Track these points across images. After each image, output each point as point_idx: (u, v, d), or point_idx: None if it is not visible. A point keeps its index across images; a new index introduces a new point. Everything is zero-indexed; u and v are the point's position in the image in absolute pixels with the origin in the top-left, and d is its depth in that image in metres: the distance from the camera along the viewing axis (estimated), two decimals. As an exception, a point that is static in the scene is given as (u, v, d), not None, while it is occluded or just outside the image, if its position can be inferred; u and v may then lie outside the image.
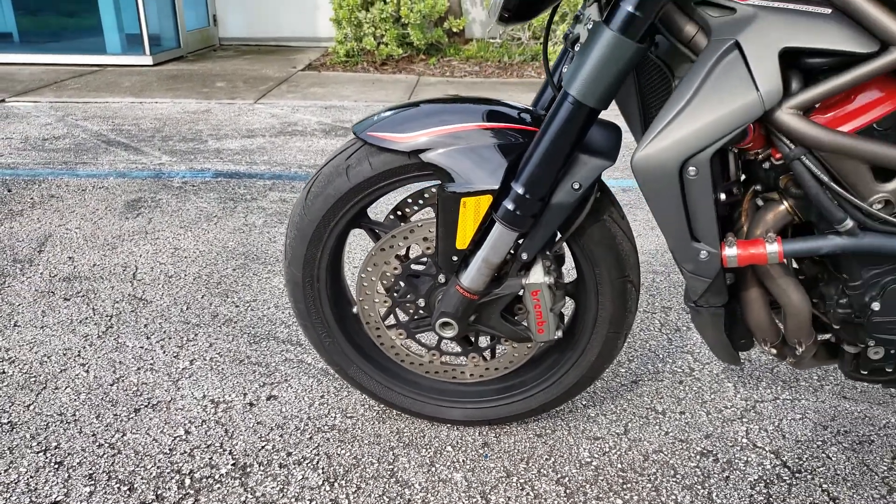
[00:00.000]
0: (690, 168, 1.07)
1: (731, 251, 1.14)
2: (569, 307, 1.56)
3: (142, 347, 1.96)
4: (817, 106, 1.07)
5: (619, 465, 1.55)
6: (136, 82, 5.91)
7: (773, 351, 1.39)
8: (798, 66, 1.05)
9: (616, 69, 1.09)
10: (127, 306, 2.18)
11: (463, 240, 1.30)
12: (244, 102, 5.24)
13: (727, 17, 1.07)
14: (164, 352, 1.94)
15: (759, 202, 1.21)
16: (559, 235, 1.35)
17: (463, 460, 1.56)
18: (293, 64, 7.04)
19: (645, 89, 1.27)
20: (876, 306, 1.19)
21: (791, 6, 1.03)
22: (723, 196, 1.13)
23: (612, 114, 1.26)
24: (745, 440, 1.64)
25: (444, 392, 1.62)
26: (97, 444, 1.57)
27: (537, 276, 1.34)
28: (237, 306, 2.21)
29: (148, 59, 6.72)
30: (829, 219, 1.10)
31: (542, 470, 1.53)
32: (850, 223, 1.09)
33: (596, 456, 1.57)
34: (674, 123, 1.06)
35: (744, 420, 1.70)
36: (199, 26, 7.92)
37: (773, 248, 1.13)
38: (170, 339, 2.01)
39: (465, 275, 1.34)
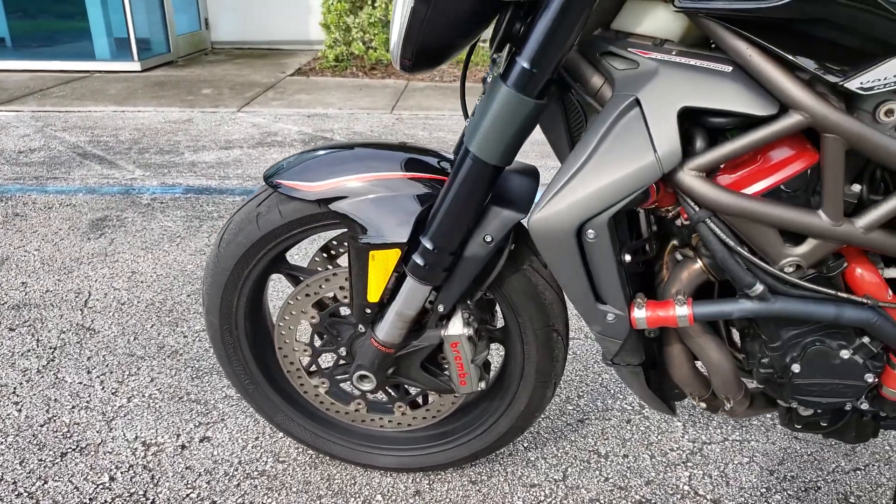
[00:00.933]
0: (589, 231, 1.02)
1: (640, 313, 1.09)
2: (501, 354, 1.51)
3: (80, 383, 1.92)
4: (723, 167, 1.01)
5: (552, 517, 1.50)
6: (121, 90, 5.88)
7: (703, 405, 1.33)
8: (702, 124, 0.99)
9: (514, 126, 1.04)
10: (73, 337, 2.15)
11: (374, 293, 1.25)
12: (227, 111, 5.20)
13: (630, 71, 1.01)
14: (103, 388, 1.90)
15: (679, 257, 1.16)
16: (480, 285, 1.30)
17: (391, 510, 1.51)
18: (283, 69, 6.99)
19: (573, 126, 1.22)
20: (796, 368, 1.14)
21: (692, 62, 0.97)
22: (628, 257, 1.07)
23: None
24: (686, 487, 1.58)
25: (375, 439, 1.57)
26: (16, 492, 1.53)
27: (456, 327, 1.29)
28: (185, 336, 2.17)
29: (136, 65, 6.70)
30: (737, 283, 1.04)
31: (470, 522, 1.48)
32: (759, 288, 1.03)
33: (529, 506, 1.53)
34: (570, 185, 1.01)
35: (688, 465, 1.65)
36: (190, 30, 7.89)
37: (683, 311, 1.07)
38: (111, 373, 1.97)
39: (380, 327, 1.30)
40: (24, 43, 7.27)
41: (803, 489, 1.58)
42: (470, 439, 1.52)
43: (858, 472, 1.63)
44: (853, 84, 0.87)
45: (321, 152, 1.29)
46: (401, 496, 1.55)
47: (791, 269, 1.02)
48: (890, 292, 1.09)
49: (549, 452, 1.69)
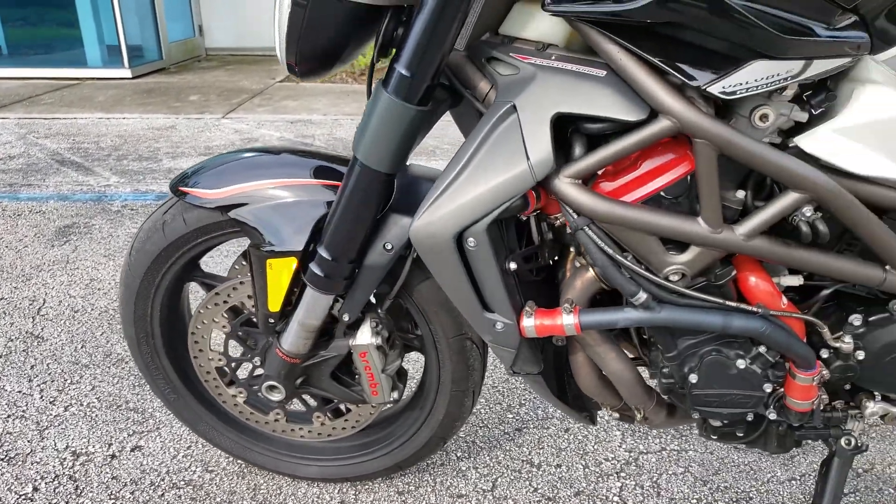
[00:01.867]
0: (469, 239, 1.00)
1: (528, 322, 1.07)
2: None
3: (20, 392, 1.92)
4: (603, 173, 0.99)
5: (473, 528, 1.48)
6: (110, 97, 5.91)
7: (616, 414, 1.31)
8: (581, 131, 0.97)
9: (399, 133, 1.02)
10: (20, 345, 2.14)
11: (274, 302, 1.24)
12: (212, 117, 5.21)
13: (511, 77, 1.00)
14: (42, 397, 1.90)
15: (577, 265, 1.14)
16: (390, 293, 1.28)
17: (313, 521, 1.50)
18: (273, 75, 7.01)
19: None
20: (693, 378, 1.11)
21: (569, 67, 0.95)
22: (513, 265, 1.05)
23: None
24: (616, 498, 1.56)
25: (298, 448, 1.56)
26: (-63, 503, 1.52)
27: (364, 337, 1.27)
28: (133, 344, 2.15)
29: (127, 72, 6.73)
30: (622, 291, 1.02)
31: (390, 533, 1.46)
32: (643, 296, 1.01)
33: (452, 517, 1.51)
34: (447, 193, 0.99)
35: (621, 475, 1.62)
36: (184, 37, 7.92)
37: (570, 319, 1.05)
38: (52, 381, 1.96)
39: (285, 337, 1.28)
40: (17, 51, 7.32)
41: (734, 500, 1.55)
42: (392, 449, 1.50)
43: (794, 481, 1.60)
44: (715, 88, 0.85)
45: (226, 159, 1.28)
46: (325, 507, 1.53)
47: (676, 278, 1.00)
48: (785, 301, 1.06)
49: (482, 462, 1.67)
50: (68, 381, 1.97)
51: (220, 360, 1.42)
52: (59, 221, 3.14)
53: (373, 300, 1.29)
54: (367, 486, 1.59)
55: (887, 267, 1.02)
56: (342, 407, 1.46)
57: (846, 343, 1.09)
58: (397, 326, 1.38)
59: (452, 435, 1.49)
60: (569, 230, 1.06)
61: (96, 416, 1.82)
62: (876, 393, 1.20)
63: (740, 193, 0.98)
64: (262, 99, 5.87)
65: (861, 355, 1.11)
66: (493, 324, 1.07)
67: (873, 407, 1.20)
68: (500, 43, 1.03)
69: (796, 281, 1.07)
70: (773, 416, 1.19)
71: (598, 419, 1.76)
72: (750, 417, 1.18)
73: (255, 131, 4.81)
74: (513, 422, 1.82)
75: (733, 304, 1.02)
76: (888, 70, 0.92)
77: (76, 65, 6.84)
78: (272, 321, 1.27)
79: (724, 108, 0.96)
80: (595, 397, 1.26)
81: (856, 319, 1.11)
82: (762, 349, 1.09)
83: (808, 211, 0.95)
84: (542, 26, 1.00)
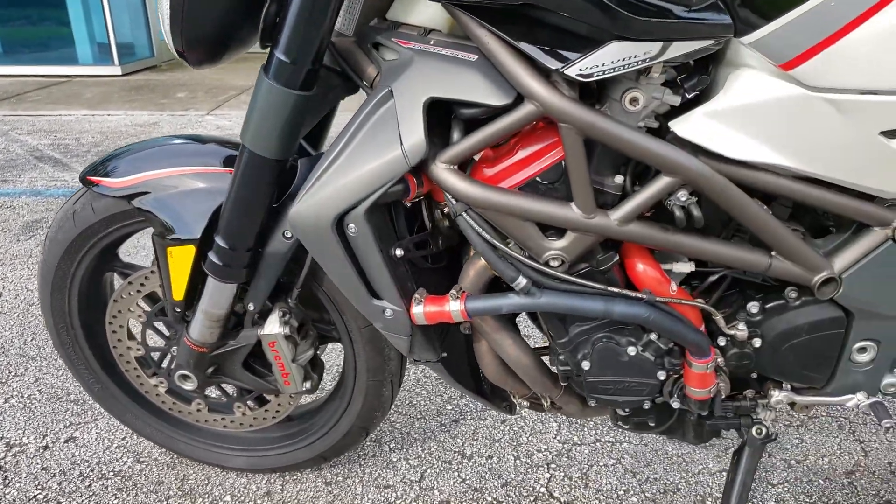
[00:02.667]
0: (350, 225, 1.00)
1: (418, 309, 1.07)
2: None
3: (-36, 383, 1.93)
4: (480, 159, 0.99)
5: (394, 518, 1.48)
6: (97, 94, 5.93)
7: (526, 403, 1.31)
8: (458, 116, 0.97)
9: (283, 119, 1.02)
10: (-29, 338, 2.16)
11: (178, 291, 1.24)
12: (196, 114, 5.23)
13: (393, 62, 0.99)
14: (-15, 388, 1.91)
15: (472, 252, 1.13)
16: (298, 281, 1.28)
17: (236, 511, 1.50)
18: (262, 72, 7.00)
19: None
20: (586, 365, 1.11)
21: (444, 52, 0.95)
22: (399, 251, 1.05)
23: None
24: (542, 489, 1.55)
25: (225, 438, 1.56)
26: None
27: (272, 326, 1.27)
28: (83, 337, 2.16)
29: (117, 69, 6.76)
30: (503, 277, 1.02)
31: (310, 523, 1.46)
32: (522, 281, 1.01)
33: (374, 507, 1.50)
34: (325, 177, 0.99)
35: (551, 466, 1.62)
36: (175, 35, 7.92)
37: (456, 305, 1.05)
38: (-2, 373, 1.97)
39: (193, 326, 1.28)
40: (8, 49, 7.35)
41: (661, 491, 1.54)
42: (315, 440, 1.50)
43: (724, 473, 1.59)
44: (572, 71, 0.85)
45: (136, 147, 1.28)
46: (251, 497, 1.53)
47: (556, 264, 1.00)
48: (674, 287, 1.05)
49: (413, 453, 1.67)
50: (12, 374, 1.97)
51: (138, 349, 1.42)
52: (27, 217, 3.16)
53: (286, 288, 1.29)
54: (294, 477, 1.59)
55: (773, 253, 1.01)
56: (265, 396, 1.46)
57: (740, 330, 1.08)
58: (314, 316, 1.38)
59: (374, 425, 1.48)
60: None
61: (35, 407, 1.83)
62: (783, 381, 1.19)
63: (618, 179, 0.97)
64: (248, 95, 5.85)
65: (758, 343, 1.11)
66: (381, 311, 1.07)
67: (778, 395, 1.19)
68: (387, 28, 1.03)
69: (687, 268, 1.06)
70: (676, 404, 1.18)
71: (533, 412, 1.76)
72: (647, 405, 1.18)
73: (238, 127, 4.81)
74: (451, 413, 1.81)
75: (615, 289, 1.01)
76: (762, 56, 0.91)
77: (67, 62, 6.87)
78: (178, 310, 1.27)
79: (598, 93, 0.95)
80: (501, 385, 1.26)
81: (753, 307, 1.10)
82: (653, 336, 1.08)
83: (682, 195, 0.94)
84: (426, 11, 1.00)
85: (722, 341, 1.12)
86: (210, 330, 1.27)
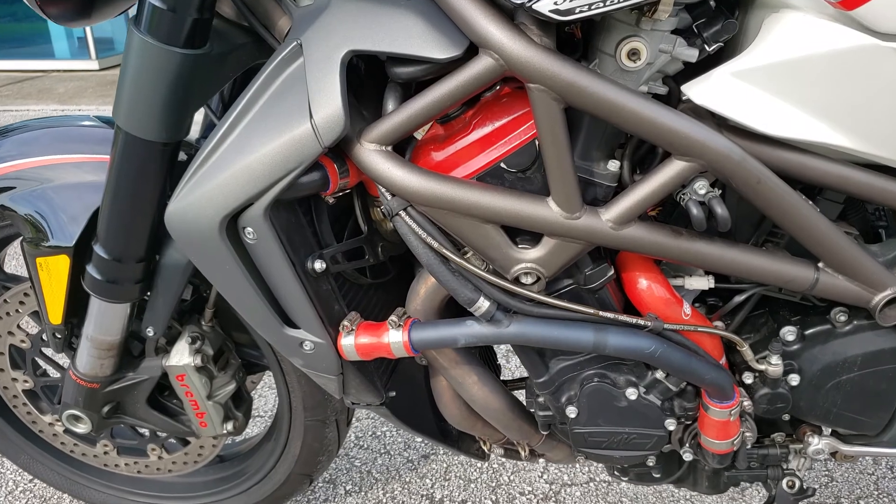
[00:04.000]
0: (247, 229, 0.74)
1: (348, 340, 0.80)
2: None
3: None
4: (425, 140, 0.73)
5: (343, 584, 1.22)
6: (71, 88, 5.67)
7: (499, 450, 1.05)
8: (393, 79, 0.71)
9: (164, 87, 0.76)
10: None
11: (54, 312, 0.98)
12: (172, 109, 4.96)
13: (306, 8, 0.73)
14: None
15: None
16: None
17: (153, 574, 1.24)
18: (246, 66, 6.76)
19: None
20: (572, 412, 0.85)
21: (369, -10, 0.69)
22: (320, 264, 0.78)
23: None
24: (525, 543, 1.29)
25: (145, 484, 1.30)
26: None
27: (179, 356, 1.01)
28: None
29: (94, 64, 6.50)
30: (456, 298, 0.76)
31: (240, 591, 1.20)
32: (484, 305, 0.75)
33: (320, 569, 1.24)
34: (211, 163, 0.72)
35: (536, 513, 1.36)
36: (158, 29, 7.68)
37: (397, 336, 0.79)
38: None
39: (79, 356, 1.02)
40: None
41: (668, 546, 1.28)
42: (249, 487, 1.24)
43: (742, 522, 1.34)
44: (544, 5, 0.58)
45: (12, 129, 1.02)
46: (173, 555, 1.27)
47: (529, 280, 0.73)
48: (688, 310, 0.79)
49: (373, 497, 1.41)
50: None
51: (26, 381, 1.16)
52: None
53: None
54: (229, 529, 1.33)
55: (820, 265, 0.76)
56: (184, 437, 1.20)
57: (773, 365, 0.82)
58: (240, 339, 1.12)
59: (319, 471, 1.22)
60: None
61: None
62: (822, 426, 0.93)
63: (613, 165, 0.71)
64: (228, 90, 5.61)
65: (795, 380, 0.85)
66: (298, 343, 0.81)
67: (818, 444, 0.93)
68: (301, -33, 0.77)
69: (704, 283, 0.80)
70: (688, 456, 0.92)
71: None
72: (651, 462, 0.92)
73: (213, 123, 4.55)
74: (421, 448, 1.55)
75: (609, 314, 0.75)
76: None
77: (43, 57, 6.62)
78: (59, 336, 1.01)
79: (584, 46, 0.69)
80: (466, 430, 1.00)
81: (788, 333, 0.84)
82: (659, 374, 0.82)
83: (700, 187, 0.68)
84: None
85: (749, 378, 0.86)
86: (100, 361, 1.01)
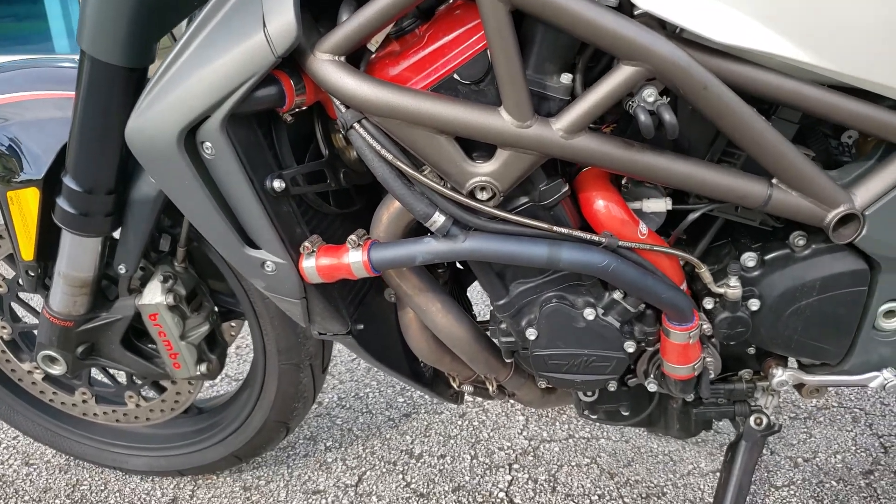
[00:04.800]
0: (205, 143, 0.75)
1: (309, 262, 0.81)
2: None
3: None
4: (375, 50, 0.74)
5: (319, 531, 1.23)
6: (69, 83, 5.69)
7: (469, 388, 1.06)
8: None
9: (129, 8, 0.76)
10: None
11: (26, 248, 0.99)
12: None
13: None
14: None
15: None
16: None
17: (132, 523, 1.25)
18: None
19: None
20: (531, 334, 0.85)
21: None
22: (277, 183, 0.79)
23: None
24: (501, 494, 1.30)
25: (123, 435, 1.31)
26: None
27: (152, 294, 1.02)
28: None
29: (92, 61, 6.52)
30: (411, 213, 0.77)
31: (217, 537, 1.21)
32: (440, 219, 0.76)
33: (297, 517, 1.25)
34: (170, 75, 0.73)
35: (513, 467, 1.37)
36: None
37: (357, 256, 0.80)
38: None
39: (52, 294, 1.03)
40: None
41: (643, 496, 1.29)
42: (225, 437, 1.25)
43: (718, 473, 1.34)
44: None
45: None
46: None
47: (485, 196, 0.74)
48: (644, 229, 0.80)
49: (353, 453, 1.41)
50: None
51: (3, 327, 1.17)
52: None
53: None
54: (208, 481, 1.34)
55: (774, 180, 0.76)
56: (161, 383, 1.21)
57: (732, 288, 0.83)
58: (216, 286, 1.13)
59: (295, 419, 1.23)
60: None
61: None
62: (788, 357, 0.94)
63: (565, 78, 0.72)
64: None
65: (755, 305, 0.86)
66: (260, 263, 0.82)
67: (782, 374, 0.94)
68: None
69: (661, 205, 0.81)
70: (652, 386, 0.93)
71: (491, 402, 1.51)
72: (613, 387, 0.92)
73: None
74: (402, 406, 1.56)
75: (563, 230, 0.76)
76: None
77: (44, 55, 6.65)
78: (31, 273, 1.02)
79: None
80: (434, 364, 1.01)
81: (749, 259, 0.85)
82: (617, 295, 0.83)
83: (649, 94, 0.69)
84: None
85: (709, 304, 0.87)
86: (73, 299, 1.02)
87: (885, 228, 0.78)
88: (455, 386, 1.06)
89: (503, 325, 0.89)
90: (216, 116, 0.72)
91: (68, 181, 0.90)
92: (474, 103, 0.71)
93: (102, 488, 1.33)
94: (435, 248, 0.77)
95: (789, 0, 0.66)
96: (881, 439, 1.42)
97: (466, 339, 0.92)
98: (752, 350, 0.95)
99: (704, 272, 0.83)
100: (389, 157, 0.73)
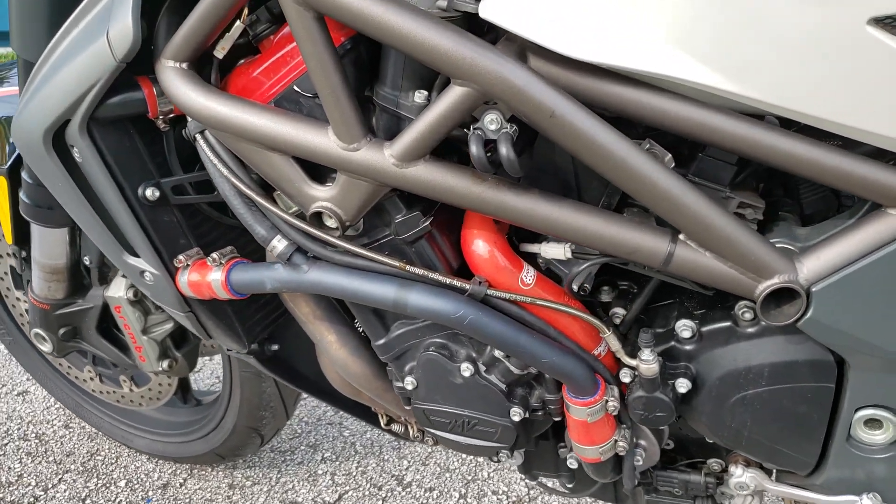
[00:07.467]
0: (74, 147, 0.74)
1: (184, 277, 0.78)
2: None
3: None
4: (219, 57, 0.68)
5: (275, 545, 1.20)
6: None
7: (395, 428, 0.96)
8: None
9: (47, 9, 0.78)
10: None
11: (7, 233, 1.06)
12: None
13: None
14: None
15: None
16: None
17: (121, 500, 1.31)
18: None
19: None
20: (410, 384, 0.75)
21: None
22: (150, 192, 0.74)
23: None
24: (473, 544, 1.19)
25: (130, 415, 1.37)
26: None
27: (116, 288, 1.05)
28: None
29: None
30: (252, 234, 0.70)
31: (181, 531, 1.23)
32: (279, 245, 0.68)
33: (261, 526, 1.24)
34: (42, 75, 0.73)
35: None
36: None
37: (217, 275, 0.75)
38: None
39: (32, 278, 1.10)
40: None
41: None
42: (206, 434, 1.27)
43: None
44: None
45: None
46: (145, 485, 1.34)
47: (333, 224, 0.66)
48: (529, 276, 0.68)
49: (345, 469, 1.37)
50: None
51: (25, 301, 1.27)
52: None
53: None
54: (202, 473, 1.37)
55: (681, 236, 0.60)
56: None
57: (645, 362, 0.67)
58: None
59: (266, 428, 1.22)
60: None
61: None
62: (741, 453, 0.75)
63: (419, 96, 0.62)
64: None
65: (684, 386, 0.68)
66: (139, 272, 0.80)
67: (741, 476, 0.76)
68: None
69: (559, 252, 0.67)
70: (573, 463, 0.79)
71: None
72: (503, 457, 0.79)
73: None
74: (414, 428, 1.49)
75: (418, 270, 0.65)
76: None
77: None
78: (16, 256, 1.09)
79: None
80: (353, 398, 0.93)
81: (685, 329, 0.69)
82: (498, 353, 0.70)
83: (491, 122, 0.57)
84: None
85: (626, 376, 0.71)
86: (48, 284, 1.08)
87: (837, 312, 0.58)
88: (381, 423, 0.97)
89: (389, 367, 0.79)
90: (75, 120, 0.71)
91: (26, 175, 0.94)
92: (305, 120, 0.63)
93: (113, 461, 1.41)
94: (280, 276, 0.70)
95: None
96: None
97: (364, 376, 0.83)
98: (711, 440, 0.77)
99: (610, 337, 0.68)
100: (226, 171, 0.67)
